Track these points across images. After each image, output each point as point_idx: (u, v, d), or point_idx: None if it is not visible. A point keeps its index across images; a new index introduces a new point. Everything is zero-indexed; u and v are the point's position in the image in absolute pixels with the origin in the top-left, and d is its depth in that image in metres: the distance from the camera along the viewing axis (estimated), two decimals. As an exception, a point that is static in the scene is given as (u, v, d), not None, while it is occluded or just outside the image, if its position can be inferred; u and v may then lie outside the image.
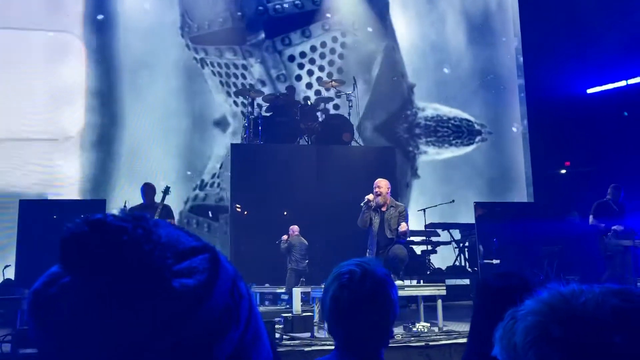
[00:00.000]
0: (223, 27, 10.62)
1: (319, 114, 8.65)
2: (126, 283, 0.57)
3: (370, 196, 5.90)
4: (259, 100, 8.91)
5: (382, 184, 5.97)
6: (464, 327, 5.40)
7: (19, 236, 7.89)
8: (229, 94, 10.28)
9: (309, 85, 8.91)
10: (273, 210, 8.04)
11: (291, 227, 7.73)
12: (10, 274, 8.21)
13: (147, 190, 6.67)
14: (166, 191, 6.49)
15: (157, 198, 6.62)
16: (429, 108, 11.50)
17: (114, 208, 8.12)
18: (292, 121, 8.34)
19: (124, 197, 8.60)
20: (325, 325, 4.91)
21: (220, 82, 8.69)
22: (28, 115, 9.81)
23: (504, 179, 11.65)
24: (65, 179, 9.87)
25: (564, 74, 10.35)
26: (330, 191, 7.97)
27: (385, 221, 5.87)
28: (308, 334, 4.89)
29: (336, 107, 9.84)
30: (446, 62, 11.64)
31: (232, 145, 8.29)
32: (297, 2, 10.89)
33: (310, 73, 10.04)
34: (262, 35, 10.74)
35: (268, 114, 8.52)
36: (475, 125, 11.64)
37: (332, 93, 9.19)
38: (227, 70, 10.59)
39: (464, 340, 4.52)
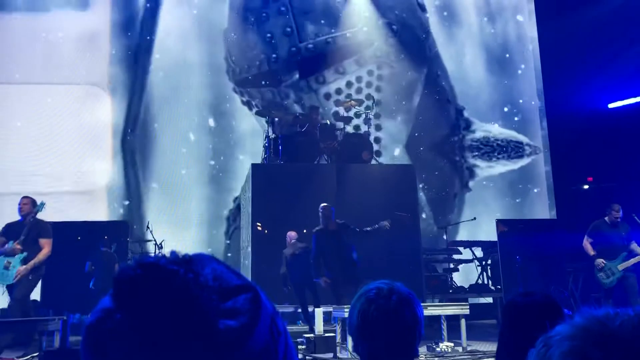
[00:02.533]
0: (261, 70, 10.89)
1: (338, 133, 8.70)
2: (175, 324, 0.61)
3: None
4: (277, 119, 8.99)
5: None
6: (488, 347, 5.33)
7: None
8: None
9: (347, 120, 9.07)
10: (293, 229, 8.05)
11: (288, 233, 7.50)
12: (36, 295, 8.32)
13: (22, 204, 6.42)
14: (39, 206, 6.34)
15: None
16: (479, 130, 11.53)
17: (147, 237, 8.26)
18: (312, 140, 8.39)
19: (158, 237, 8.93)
20: (350, 342, 4.88)
21: (266, 122, 8.94)
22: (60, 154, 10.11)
23: (526, 194, 11.57)
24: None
25: (584, 89, 10.28)
26: (349, 209, 7.96)
27: None
28: (331, 355, 4.88)
29: (356, 127, 9.94)
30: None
31: (253, 165, 8.37)
32: (328, 39, 11.00)
33: (347, 109, 10.19)
34: (297, 75, 10.92)
35: (288, 134, 8.59)
36: (524, 144, 11.62)
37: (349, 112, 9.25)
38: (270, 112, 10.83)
39: None
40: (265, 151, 8.66)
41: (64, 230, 8.88)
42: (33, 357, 4.58)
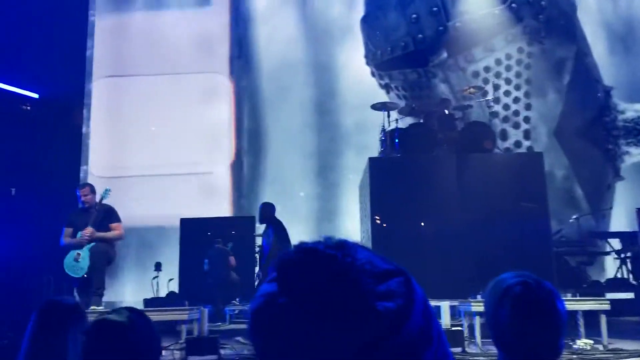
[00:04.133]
0: (405, 51, 10.95)
1: (457, 122, 8.45)
2: (336, 306, 0.63)
3: None
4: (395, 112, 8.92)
5: None
6: (634, 346, 4.93)
7: (181, 251, 8.63)
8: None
9: (496, 101, 8.88)
10: (412, 222, 7.96)
11: None
12: (173, 287, 8.98)
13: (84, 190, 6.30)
14: (104, 193, 6.20)
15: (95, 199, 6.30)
16: (630, 110, 10.77)
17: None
18: (430, 131, 8.23)
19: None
20: (479, 336, 4.73)
21: (407, 105, 9.16)
22: (182, 153, 10.85)
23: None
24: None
25: None
26: (472, 201, 7.72)
27: None
28: (459, 349, 4.77)
29: (494, 114, 9.76)
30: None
31: (370, 158, 8.37)
32: (476, 17, 10.86)
33: (496, 87, 9.98)
34: (445, 54, 10.85)
35: (404, 126, 8.49)
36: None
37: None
38: (412, 92, 10.90)
39: None
40: (381, 144, 8.62)
41: (197, 226, 9.50)
42: (178, 344, 4.94)
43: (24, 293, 7.73)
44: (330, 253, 0.66)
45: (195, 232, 9.25)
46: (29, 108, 9.57)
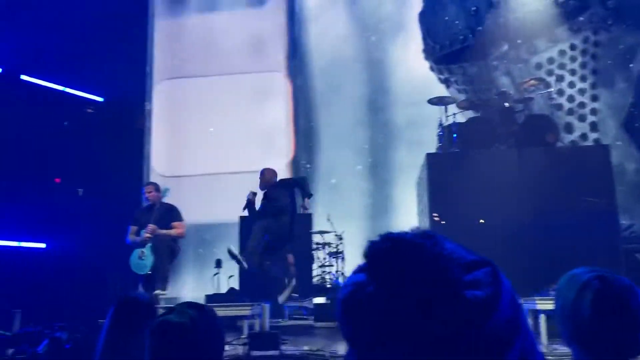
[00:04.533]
0: (465, 44, 10.87)
1: (518, 115, 8.21)
2: (425, 294, 0.64)
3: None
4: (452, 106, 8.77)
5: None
6: None
7: (241, 248, 8.75)
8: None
9: (560, 93, 8.61)
10: (472, 219, 7.79)
11: None
12: (233, 283, 9.14)
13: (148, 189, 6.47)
14: (164, 192, 6.32)
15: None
16: None
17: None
18: (489, 125, 8.04)
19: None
20: (544, 334, 4.58)
21: (465, 99, 9.08)
22: (240, 152, 11.07)
23: None
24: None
25: None
26: (534, 197, 7.48)
27: None
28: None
29: (558, 106, 9.49)
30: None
31: (428, 154, 8.25)
32: (539, 7, 10.56)
33: (560, 79, 9.67)
34: (505, 47, 10.69)
35: (462, 121, 8.33)
36: None
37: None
38: (472, 86, 10.79)
39: None
40: (439, 139, 8.49)
41: (253, 224, 9.62)
42: (241, 339, 5.02)
43: (93, 290, 8.06)
44: (418, 241, 0.67)
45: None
46: (92, 111, 9.98)
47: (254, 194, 6.35)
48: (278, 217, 6.27)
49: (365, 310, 0.66)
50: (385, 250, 0.67)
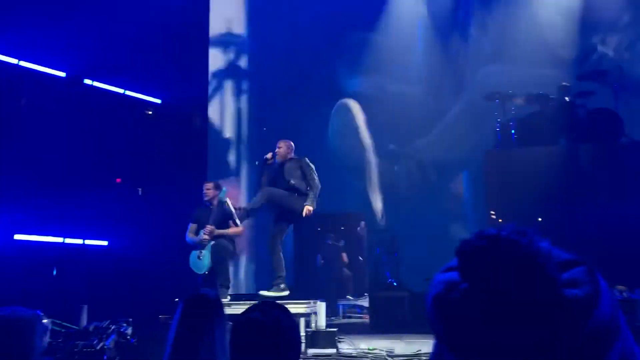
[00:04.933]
0: None
1: (579, 110, 7.92)
2: (522, 292, 0.63)
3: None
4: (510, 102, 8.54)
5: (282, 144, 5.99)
6: None
7: (295, 246, 8.84)
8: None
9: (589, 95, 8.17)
10: (530, 219, 7.57)
11: None
12: (291, 280, 9.22)
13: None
14: (222, 193, 6.25)
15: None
16: None
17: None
18: (549, 121, 7.79)
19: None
20: None
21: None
22: None
23: None
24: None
25: None
26: (598, 194, 7.21)
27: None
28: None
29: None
30: None
31: (486, 151, 8.08)
32: None
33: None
34: None
35: (522, 116, 8.11)
36: None
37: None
38: None
39: None
40: (496, 136, 8.30)
41: (307, 222, 9.68)
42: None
43: (153, 286, 8.29)
44: (514, 239, 0.65)
45: (307, 228, 9.44)
46: (151, 113, 10.25)
47: (270, 157, 6.05)
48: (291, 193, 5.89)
49: (459, 309, 0.65)
50: (481, 248, 0.65)
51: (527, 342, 0.61)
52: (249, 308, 1.60)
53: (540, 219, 7.53)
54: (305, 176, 5.90)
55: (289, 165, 5.99)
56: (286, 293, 5.74)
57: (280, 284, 5.82)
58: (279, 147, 6.09)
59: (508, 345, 0.62)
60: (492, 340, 0.62)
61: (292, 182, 5.86)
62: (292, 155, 6.11)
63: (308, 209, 5.77)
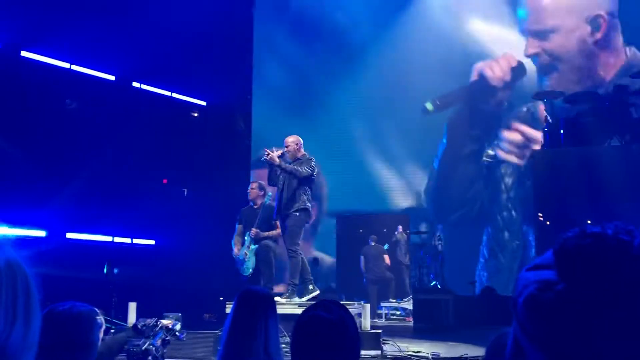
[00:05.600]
0: None
1: (633, 109, 7.63)
2: (630, 294, 0.59)
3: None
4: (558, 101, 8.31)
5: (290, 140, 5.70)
6: None
7: (337, 247, 8.85)
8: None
9: None
10: (579, 221, 7.33)
11: None
12: (332, 279, 9.22)
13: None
14: (267, 197, 6.22)
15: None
16: None
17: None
18: (600, 121, 7.53)
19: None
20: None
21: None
22: None
23: None
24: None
25: None
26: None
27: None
28: None
29: None
30: None
31: (534, 151, 7.89)
32: None
33: None
34: None
35: (571, 116, 7.87)
36: None
37: None
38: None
39: None
40: (544, 136, 8.08)
41: (350, 223, 9.67)
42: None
43: (198, 284, 8.43)
44: (623, 239, 0.61)
45: (350, 229, 9.43)
46: (196, 115, 10.43)
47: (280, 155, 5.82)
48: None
49: (555, 310, 0.61)
50: (585, 247, 0.61)
51: (632, 349, 0.58)
52: (309, 306, 1.60)
53: (589, 222, 7.29)
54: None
55: (296, 164, 5.77)
56: (316, 293, 5.70)
57: (309, 285, 5.75)
58: (287, 146, 5.88)
59: (610, 352, 0.59)
60: (593, 346, 0.59)
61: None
62: (302, 152, 5.91)
63: (273, 158, 5.56)
